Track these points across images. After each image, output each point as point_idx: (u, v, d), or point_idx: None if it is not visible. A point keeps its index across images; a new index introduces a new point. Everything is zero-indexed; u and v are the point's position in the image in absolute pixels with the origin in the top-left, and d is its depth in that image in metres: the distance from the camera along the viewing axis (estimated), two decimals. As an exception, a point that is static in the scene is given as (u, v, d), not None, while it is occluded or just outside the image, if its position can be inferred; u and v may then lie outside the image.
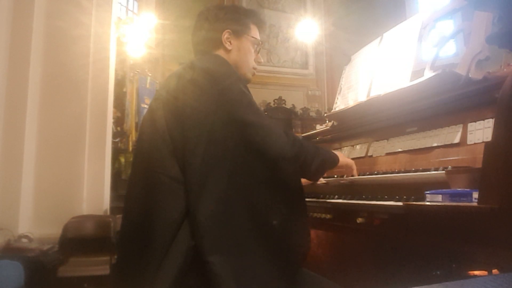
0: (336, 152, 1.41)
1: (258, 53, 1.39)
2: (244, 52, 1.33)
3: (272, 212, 1.03)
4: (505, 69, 1.22)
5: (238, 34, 1.32)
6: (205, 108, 1.05)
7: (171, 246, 0.97)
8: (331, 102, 2.83)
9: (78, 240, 2.95)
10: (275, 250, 1.00)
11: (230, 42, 1.30)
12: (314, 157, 1.20)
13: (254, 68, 1.38)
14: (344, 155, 1.47)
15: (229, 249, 0.96)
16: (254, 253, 0.98)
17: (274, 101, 7.49)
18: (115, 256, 2.76)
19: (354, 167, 1.47)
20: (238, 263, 0.95)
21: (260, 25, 1.39)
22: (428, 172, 1.17)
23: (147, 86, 5.04)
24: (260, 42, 1.38)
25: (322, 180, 1.60)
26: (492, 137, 0.95)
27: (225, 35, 1.29)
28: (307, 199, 1.59)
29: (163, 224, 1.00)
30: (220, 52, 1.29)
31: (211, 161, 1.01)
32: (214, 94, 1.06)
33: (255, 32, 1.37)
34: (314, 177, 1.36)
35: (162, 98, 1.15)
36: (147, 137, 1.14)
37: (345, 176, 1.51)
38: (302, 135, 2.41)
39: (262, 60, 1.42)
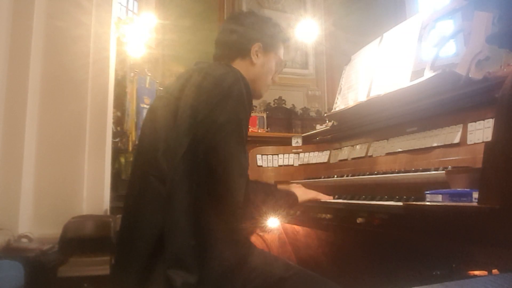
0: (296, 190, 1.34)
1: (278, 73, 1.34)
2: (267, 70, 1.28)
3: (219, 236, 0.99)
4: (505, 69, 1.23)
5: (267, 49, 1.27)
6: (193, 118, 1.01)
7: (158, 250, 0.96)
8: (331, 102, 2.83)
9: (78, 240, 2.94)
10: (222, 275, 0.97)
11: (257, 55, 1.25)
12: (263, 203, 1.15)
13: (269, 86, 1.34)
14: (306, 192, 1.40)
15: (186, 265, 0.93)
16: (205, 274, 0.95)
17: (274, 101, 7.48)
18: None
19: (320, 196, 1.42)
20: (193, 281, 0.92)
21: (287, 45, 1.35)
22: (428, 172, 1.18)
23: (147, 86, 5.04)
24: (284, 64, 1.34)
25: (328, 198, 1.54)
26: (492, 137, 0.95)
27: (255, 47, 1.24)
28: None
29: (151, 228, 0.98)
30: (245, 63, 1.24)
31: (183, 170, 0.97)
32: (207, 107, 1.02)
33: (281, 52, 1.32)
34: (257, 218, 1.28)
35: (164, 98, 1.14)
36: (147, 137, 1.13)
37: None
38: (302, 135, 2.41)
39: (277, 80, 1.37)
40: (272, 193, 1.23)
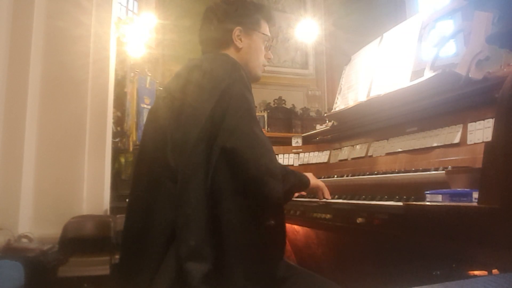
0: (307, 174, 1.35)
1: (268, 49, 1.34)
2: (255, 50, 1.28)
3: (248, 224, 0.98)
4: (505, 69, 1.23)
5: (248, 31, 1.26)
6: (202, 109, 1.01)
7: (169, 248, 0.96)
8: (331, 102, 2.83)
9: (78, 240, 2.94)
10: (250, 261, 0.96)
11: (240, 39, 1.24)
12: (284, 180, 1.12)
13: (264, 65, 1.33)
14: (315, 177, 1.41)
15: (203, 257, 0.92)
16: (228, 261, 0.94)
17: (274, 101, 7.49)
18: (116, 256, 2.78)
19: (326, 189, 1.43)
20: (211, 271, 0.92)
21: (270, 20, 1.34)
22: (428, 172, 1.18)
23: (147, 86, 5.04)
24: (271, 39, 1.33)
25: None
26: (492, 137, 0.95)
27: (236, 32, 1.24)
28: (307, 199, 1.60)
29: (162, 224, 0.98)
30: (230, 51, 1.24)
31: (196, 162, 0.97)
32: (214, 95, 1.02)
33: (265, 28, 1.31)
34: (284, 200, 1.23)
35: (166, 97, 1.13)
36: (150, 136, 1.12)
37: (320, 197, 1.47)
38: (302, 135, 2.41)
39: (272, 56, 1.37)
40: (289, 170, 1.23)
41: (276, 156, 2.26)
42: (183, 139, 1.00)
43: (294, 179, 1.21)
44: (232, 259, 0.95)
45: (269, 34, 1.33)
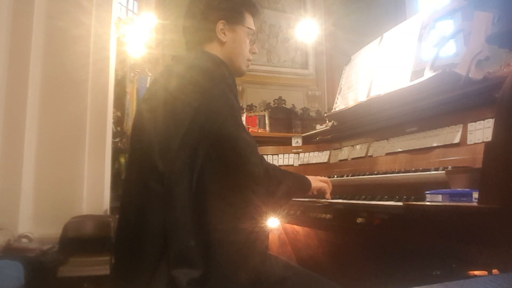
0: (310, 177, 1.33)
1: (253, 43, 1.31)
2: (239, 44, 1.24)
3: (232, 227, 0.96)
4: (505, 69, 1.23)
5: (232, 25, 1.22)
6: (184, 113, 0.99)
7: (164, 252, 0.95)
8: (331, 102, 2.83)
9: (78, 240, 2.94)
10: (237, 264, 0.95)
11: (224, 33, 1.21)
12: (280, 183, 1.13)
13: (249, 60, 1.29)
14: (318, 179, 1.37)
15: (191, 262, 0.91)
16: (216, 265, 0.93)
17: (274, 101, 7.50)
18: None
19: (328, 191, 1.40)
20: (200, 276, 0.90)
21: (255, 13, 1.30)
22: (428, 172, 1.18)
23: (147, 86, 5.04)
24: (256, 33, 1.29)
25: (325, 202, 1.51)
26: (492, 137, 0.95)
27: (219, 26, 1.20)
28: (307, 199, 1.60)
29: (155, 229, 0.97)
30: (214, 45, 1.21)
31: (180, 167, 0.95)
32: (196, 98, 1.00)
33: (249, 22, 1.27)
34: (277, 203, 1.22)
35: (149, 100, 1.12)
36: (138, 142, 1.10)
37: (321, 198, 1.45)
38: (302, 135, 2.41)
39: (257, 51, 1.33)
40: (288, 173, 1.21)
41: (276, 156, 2.28)
42: (168, 142, 0.99)
43: (293, 182, 1.19)
44: (219, 263, 0.93)
45: (253, 28, 1.29)
